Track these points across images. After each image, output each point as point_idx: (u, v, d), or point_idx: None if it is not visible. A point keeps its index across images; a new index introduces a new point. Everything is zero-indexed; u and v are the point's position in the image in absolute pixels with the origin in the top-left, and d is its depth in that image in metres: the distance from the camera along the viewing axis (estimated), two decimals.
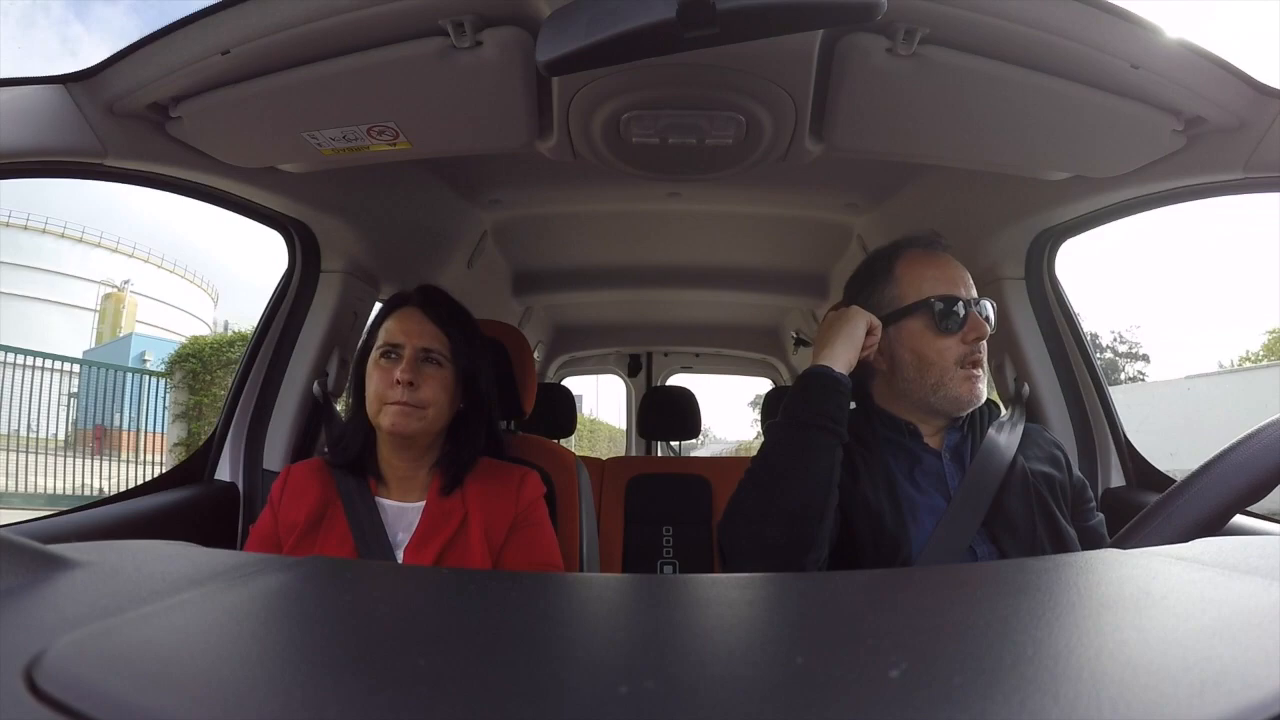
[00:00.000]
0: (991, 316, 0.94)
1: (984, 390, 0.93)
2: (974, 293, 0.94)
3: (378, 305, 1.46)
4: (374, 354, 0.97)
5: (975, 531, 0.85)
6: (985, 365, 0.93)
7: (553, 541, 1.01)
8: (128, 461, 7.41)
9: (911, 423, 0.94)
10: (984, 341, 0.92)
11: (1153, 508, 0.50)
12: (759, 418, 4.05)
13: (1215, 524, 0.47)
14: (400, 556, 0.93)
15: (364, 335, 1.05)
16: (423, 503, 0.97)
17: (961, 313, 0.91)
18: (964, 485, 0.88)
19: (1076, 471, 0.97)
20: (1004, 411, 1.02)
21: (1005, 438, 0.93)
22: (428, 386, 0.95)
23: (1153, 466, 1.27)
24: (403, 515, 0.96)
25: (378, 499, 0.97)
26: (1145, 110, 0.88)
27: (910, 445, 0.93)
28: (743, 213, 1.62)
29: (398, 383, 0.93)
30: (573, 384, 3.30)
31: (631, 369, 3.18)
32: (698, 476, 1.90)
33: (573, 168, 1.13)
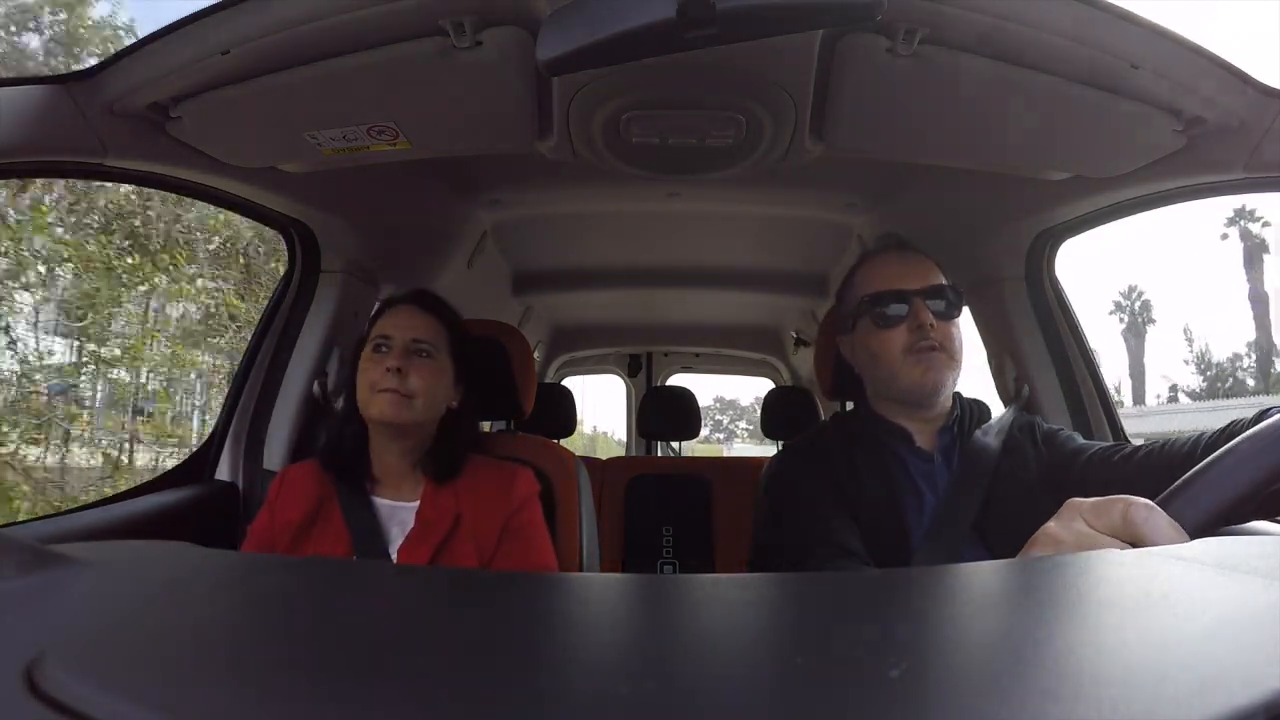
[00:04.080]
0: (955, 306, 0.92)
1: (944, 375, 0.89)
2: (931, 282, 0.92)
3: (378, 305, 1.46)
4: (366, 349, 0.99)
5: (964, 535, 0.85)
6: (952, 351, 0.90)
7: (546, 546, 1.00)
8: None
9: (901, 425, 0.94)
10: (945, 328, 0.90)
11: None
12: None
13: (1215, 523, 0.47)
14: (394, 555, 0.93)
15: (360, 338, 1.06)
16: (416, 502, 0.97)
17: (902, 305, 0.90)
18: (948, 489, 0.88)
19: (1045, 428, 0.96)
20: (997, 414, 1.02)
21: (992, 440, 0.92)
22: (416, 376, 0.96)
23: None
24: (396, 514, 0.97)
25: (372, 497, 0.98)
26: (1145, 110, 0.87)
27: (901, 448, 0.93)
28: (743, 213, 1.62)
29: (388, 370, 0.94)
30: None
31: (631, 369, 3.17)
32: (698, 476, 1.90)
33: (573, 168, 1.13)
